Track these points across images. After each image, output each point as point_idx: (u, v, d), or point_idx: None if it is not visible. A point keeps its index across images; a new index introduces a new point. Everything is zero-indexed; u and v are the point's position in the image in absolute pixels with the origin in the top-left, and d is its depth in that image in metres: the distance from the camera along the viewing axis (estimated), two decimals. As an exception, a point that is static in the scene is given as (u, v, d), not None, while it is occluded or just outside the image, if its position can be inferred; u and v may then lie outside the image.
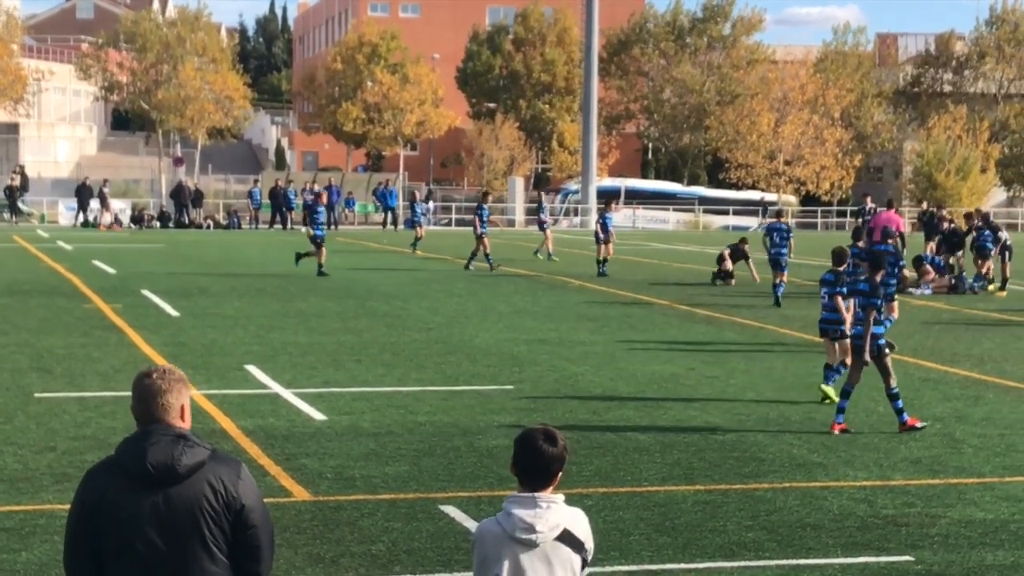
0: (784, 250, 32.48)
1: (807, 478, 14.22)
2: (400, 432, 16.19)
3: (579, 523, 6.12)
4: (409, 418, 17.07)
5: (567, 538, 6.04)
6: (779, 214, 35.12)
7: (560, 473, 6.10)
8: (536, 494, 6.04)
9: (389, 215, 71.97)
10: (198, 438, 5.73)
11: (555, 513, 6.03)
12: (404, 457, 14.85)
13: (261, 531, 5.76)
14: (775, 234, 32.85)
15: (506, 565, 5.97)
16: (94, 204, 69.94)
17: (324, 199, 40.74)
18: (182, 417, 5.76)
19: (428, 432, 16.16)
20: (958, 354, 23.91)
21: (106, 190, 69.63)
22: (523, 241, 58.93)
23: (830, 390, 18.34)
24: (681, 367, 21.82)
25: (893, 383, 16.57)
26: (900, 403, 16.61)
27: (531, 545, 5.97)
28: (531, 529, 5.97)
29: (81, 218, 69.10)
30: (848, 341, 18.00)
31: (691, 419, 17.31)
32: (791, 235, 33.60)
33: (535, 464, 6.05)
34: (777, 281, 32.03)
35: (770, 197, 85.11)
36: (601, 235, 40.13)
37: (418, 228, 50.48)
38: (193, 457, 5.64)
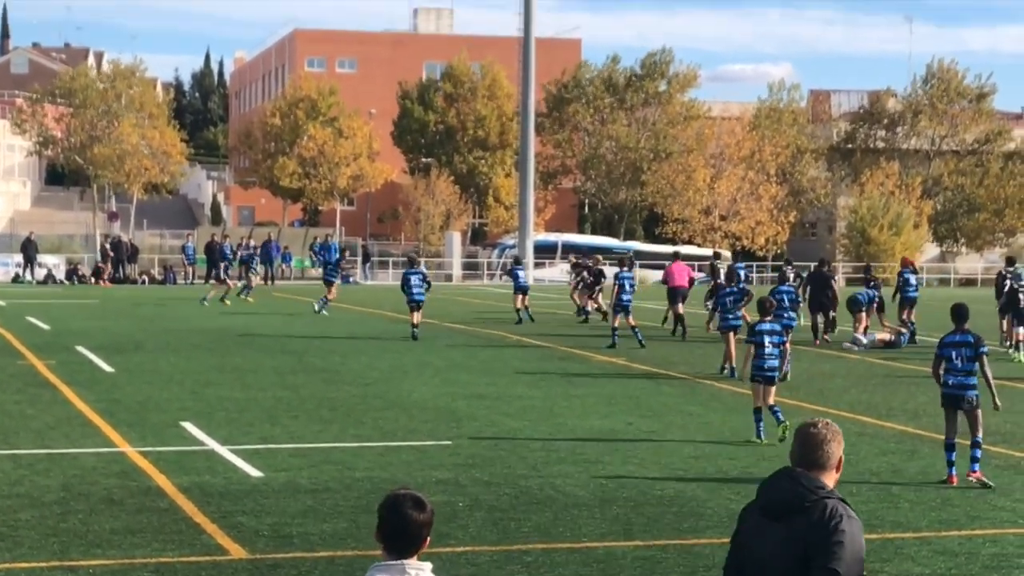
0: (629, 296, 34.99)
1: (745, 533, 14.20)
2: (338, 488, 16.09)
3: None
4: (347, 474, 16.98)
5: None
6: (621, 263, 36.95)
7: (428, 539, 6.00)
8: (403, 561, 5.94)
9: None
10: (823, 489, 6.21)
11: None
12: (342, 514, 14.76)
13: None
14: (626, 282, 34.96)
15: None
16: (51, 260, 70.74)
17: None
18: (838, 468, 6.36)
19: (366, 488, 16.07)
20: (893, 408, 24.05)
21: (107, 246, 70.59)
22: (462, 296, 58.91)
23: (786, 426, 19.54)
24: (619, 422, 21.83)
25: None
26: (979, 452, 17.30)
27: None
28: None
29: (27, 275, 68.78)
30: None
31: (629, 474, 17.31)
32: (635, 283, 36.65)
33: (403, 531, 5.94)
34: (633, 325, 34.94)
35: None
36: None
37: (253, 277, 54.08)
38: (794, 499, 6.19)
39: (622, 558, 13.11)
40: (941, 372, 17.34)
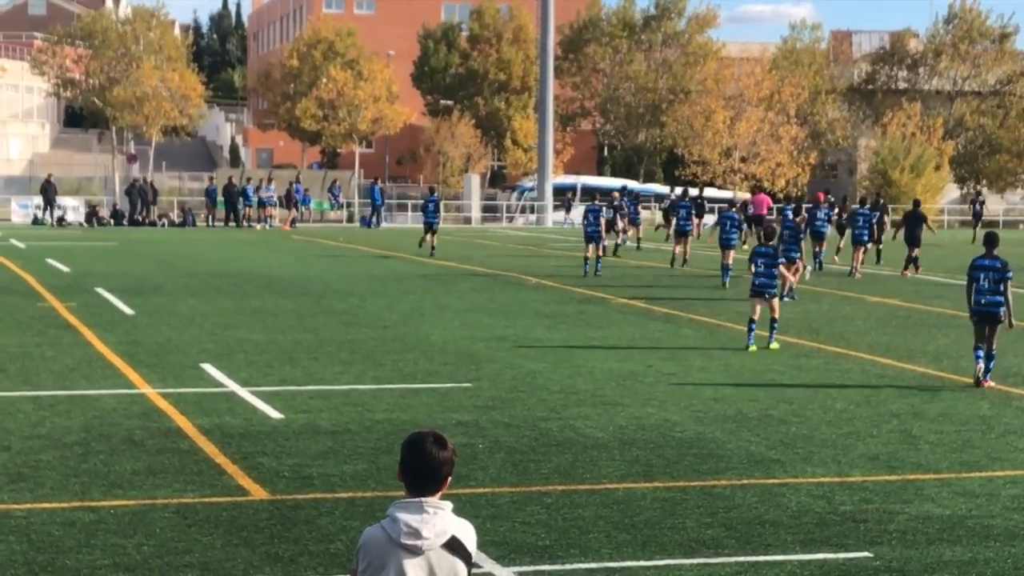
0: (598, 227, 38.08)
1: (765, 475, 14.23)
2: (358, 430, 16.12)
3: (467, 533, 5.95)
4: (367, 416, 17.01)
5: (454, 546, 5.88)
6: (593, 197, 41.62)
7: (449, 478, 5.99)
8: (423, 499, 5.93)
9: (370, 212, 72.24)
10: None
11: (442, 520, 5.89)
12: (362, 455, 14.79)
13: None
14: (591, 215, 38.48)
15: (391, 572, 5.86)
16: (70, 202, 71.17)
17: None
18: None
19: (386, 430, 16.09)
20: (914, 351, 23.99)
21: (145, 186, 71.40)
22: (481, 239, 58.88)
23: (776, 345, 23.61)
24: (639, 364, 21.81)
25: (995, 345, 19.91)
26: (992, 364, 19.90)
27: (416, 551, 5.83)
28: (416, 534, 5.84)
29: (47, 217, 68.86)
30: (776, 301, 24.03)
31: (649, 416, 17.30)
32: (601, 214, 39.00)
33: (424, 468, 5.92)
34: (598, 256, 38.29)
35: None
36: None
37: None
38: None
39: (641, 499, 13.12)
40: (972, 292, 19.74)
